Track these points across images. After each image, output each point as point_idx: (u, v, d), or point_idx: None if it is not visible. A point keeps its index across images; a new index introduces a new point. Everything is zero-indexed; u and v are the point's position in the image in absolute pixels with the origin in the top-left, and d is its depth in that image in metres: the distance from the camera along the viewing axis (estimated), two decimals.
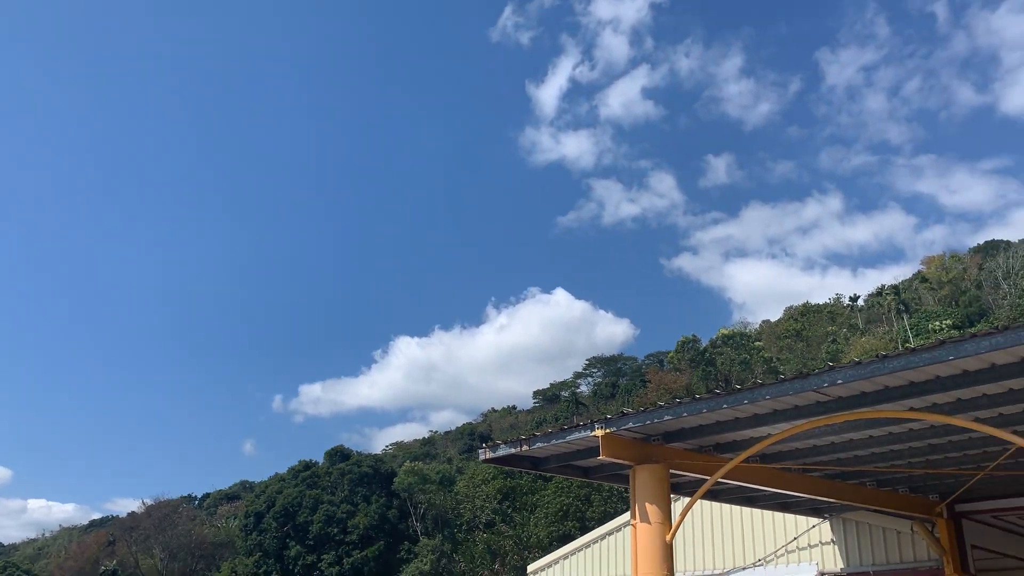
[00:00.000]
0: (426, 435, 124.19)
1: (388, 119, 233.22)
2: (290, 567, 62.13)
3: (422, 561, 57.27)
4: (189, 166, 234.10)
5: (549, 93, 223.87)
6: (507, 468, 10.45)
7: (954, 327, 67.27)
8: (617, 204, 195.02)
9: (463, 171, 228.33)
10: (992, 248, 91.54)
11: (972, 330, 7.44)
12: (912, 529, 12.62)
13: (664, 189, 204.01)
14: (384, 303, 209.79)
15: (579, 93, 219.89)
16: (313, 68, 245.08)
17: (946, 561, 12.04)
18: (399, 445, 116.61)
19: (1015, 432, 7.03)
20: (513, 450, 9.66)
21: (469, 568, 54.89)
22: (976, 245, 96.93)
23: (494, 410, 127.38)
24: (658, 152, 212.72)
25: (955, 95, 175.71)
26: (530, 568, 19.92)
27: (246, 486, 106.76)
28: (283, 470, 71.71)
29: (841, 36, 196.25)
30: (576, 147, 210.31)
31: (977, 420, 7.38)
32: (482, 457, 10.07)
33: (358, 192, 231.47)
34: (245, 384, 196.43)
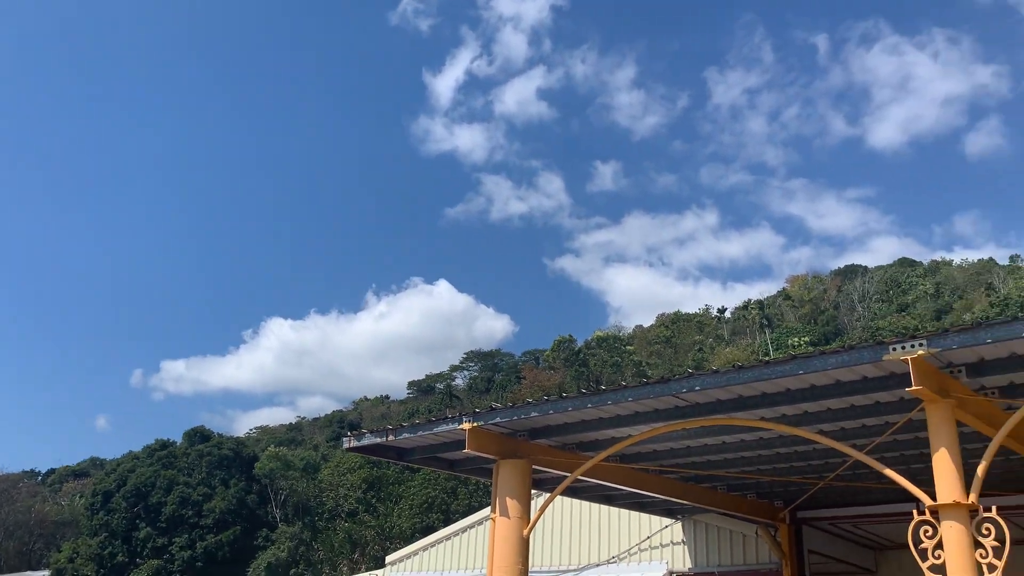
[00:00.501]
0: (293, 420, 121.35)
1: (279, 97, 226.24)
2: (138, 549, 59.38)
3: (279, 548, 55.93)
4: (48, 135, 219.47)
5: (445, 84, 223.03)
6: (373, 458, 10.33)
7: (811, 344, 71.28)
8: (506, 200, 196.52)
9: (353, 154, 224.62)
10: (851, 272, 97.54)
11: (823, 348, 7.87)
12: (757, 533, 13.28)
13: (552, 190, 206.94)
14: (259, 282, 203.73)
15: (475, 86, 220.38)
16: (203, 40, 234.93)
17: (785, 564, 12.73)
18: (264, 429, 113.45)
19: (853, 445, 7.50)
20: (379, 440, 9.57)
21: (328, 557, 54.02)
22: (837, 268, 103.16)
23: (366, 399, 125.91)
24: (549, 153, 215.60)
25: (829, 125, 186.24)
26: (388, 559, 19.79)
27: (96, 463, 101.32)
28: (138, 448, 68.52)
29: (730, 58, 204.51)
30: (469, 140, 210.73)
31: (821, 432, 7.82)
32: (347, 445, 9.94)
33: (242, 168, 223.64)
34: (102, 357, 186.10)
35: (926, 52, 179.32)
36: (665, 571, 14.44)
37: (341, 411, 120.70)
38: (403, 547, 20.16)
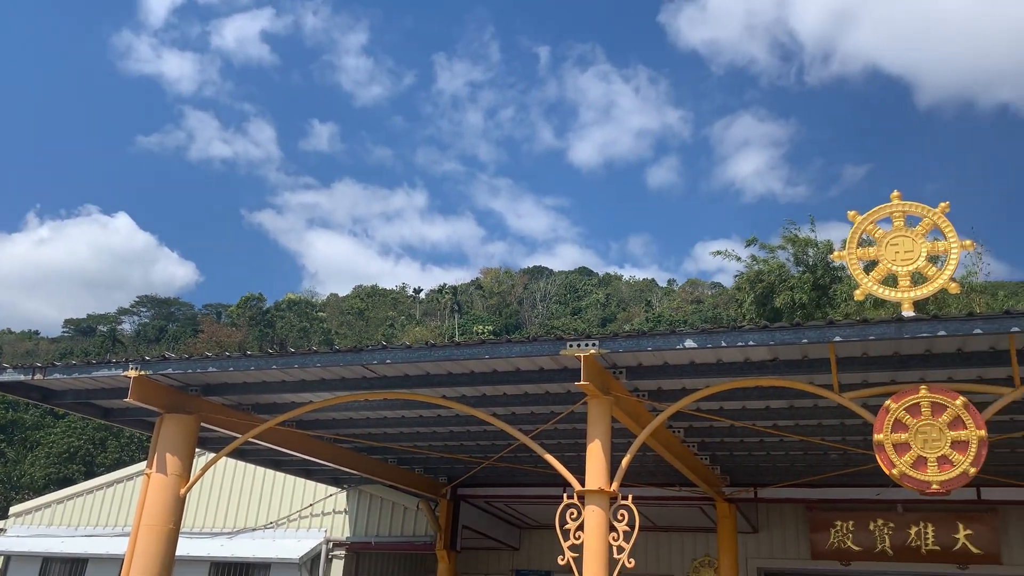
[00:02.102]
0: None
1: None
2: None
3: None
4: None
5: (160, 2, 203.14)
6: (11, 397, 9.08)
7: (493, 333, 75.32)
8: (209, 141, 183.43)
9: (37, 53, 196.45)
10: (538, 272, 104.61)
11: (509, 336, 8.31)
12: (418, 507, 13.72)
13: (262, 139, 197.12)
14: None
15: (193, 13, 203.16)
16: None
17: (439, 537, 13.30)
18: None
19: (520, 430, 8.00)
20: (23, 377, 8.47)
21: None
22: (526, 267, 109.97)
23: (10, 332, 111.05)
24: (264, 100, 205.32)
25: (538, 133, 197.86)
26: (13, 510, 17.63)
27: None
28: None
29: (459, 48, 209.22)
30: (178, 68, 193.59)
31: (494, 415, 8.25)
32: None
33: None
34: None
35: (630, 85, 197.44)
36: (322, 539, 14.41)
37: None
38: (33, 499, 18.08)
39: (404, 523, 14.30)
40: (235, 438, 9.04)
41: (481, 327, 77.33)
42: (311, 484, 14.79)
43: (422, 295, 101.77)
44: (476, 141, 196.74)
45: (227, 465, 15.44)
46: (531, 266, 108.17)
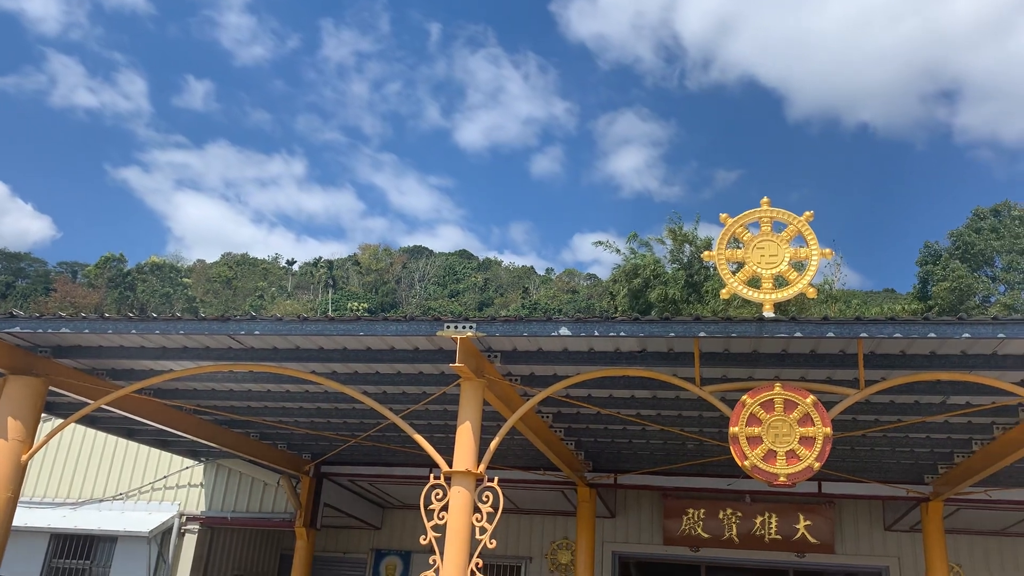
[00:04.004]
0: None
1: None
2: None
3: None
4: None
5: None
6: None
7: (368, 311, 74.44)
8: (73, 88, 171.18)
9: None
10: (418, 252, 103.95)
11: (386, 315, 8.21)
12: (279, 483, 13.41)
13: (132, 92, 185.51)
14: None
15: None
16: None
17: (299, 515, 13.05)
18: None
19: (391, 409, 7.92)
20: None
21: None
22: (406, 246, 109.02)
23: None
24: (136, 51, 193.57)
25: (425, 110, 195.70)
26: None
27: None
28: None
29: (348, 16, 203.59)
30: (41, 7, 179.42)
31: (365, 393, 8.14)
32: None
33: None
34: None
35: (520, 71, 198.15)
36: (175, 512, 13.88)
37: None
38: None
39: (263, 499, 13.96)
40: (86, 404, 8.55)
41: (356, 304, 76.24)
42: (166, 455, 14.21)
43: (295, 267, 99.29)
44: (360, 113, 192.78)
45: (75, 432, 14.61)
46: (411, 245, 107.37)
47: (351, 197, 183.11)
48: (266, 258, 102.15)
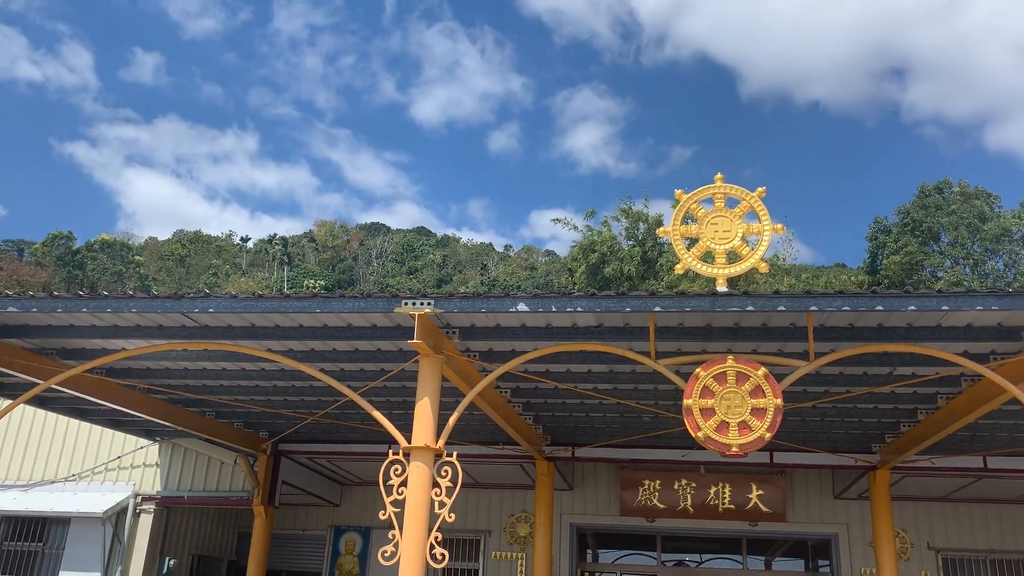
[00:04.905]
0: None
1: None
2: None
3: None
4: None
5: None
6: None
7: (325, 288, 73.79)
8: (15, 60, 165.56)
9: None
10: (375, 229, 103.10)
11: (342, 292, 8.16)
12: (236, 462, 13.33)
13: (78, 65, 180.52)
14: None
15: None
16: None
17: (257, 493, 13.00)
18: None
19: (349, 386, 7.91)
20: None
21: None
22: (363, 223, 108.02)
23: None
24: (81, 22, 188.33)
25: (379, 84, 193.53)
26: None
27: None
28: None
29: None
30: None
31: (323, 371, 8.11)
32: None
33: None
34: None
35: (476, 46, 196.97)
36: (131, 493, 13.72)
37: None
38: None
39: (220, 478, 13.85)
40: (36, 384, 8.39)
41: (312, 281, 75.47)
42: (120, 435, 14.00)
43: (250, 244, 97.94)
44: (314, 87, 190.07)
45: (25, 412, 14.32)
46: (368, 222, 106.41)
47: (305, 173, 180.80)
48: (220, 235, 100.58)
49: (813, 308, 6.55)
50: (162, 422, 11.03)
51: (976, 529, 14.47)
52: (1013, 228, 40.66)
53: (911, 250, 40.76)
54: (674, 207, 11.57)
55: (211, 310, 7.23)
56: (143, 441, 14.01)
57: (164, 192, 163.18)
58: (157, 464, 14.02)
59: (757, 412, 6.66)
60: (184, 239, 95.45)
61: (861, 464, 12.02)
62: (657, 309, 6.72)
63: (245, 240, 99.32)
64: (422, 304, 6.94)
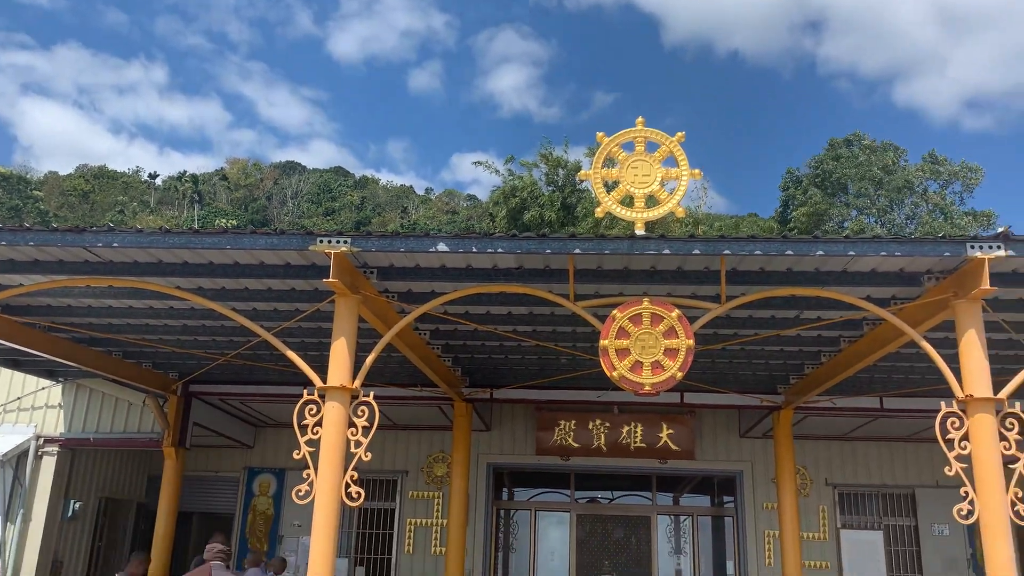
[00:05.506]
0: None
1: None
2: None
3: None
4: None
5: None
6: None
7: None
8: None
9: None
10: (290, 168, 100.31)
11: (255, 228, 7.89)
12: (144, 402, 12.97)
13: None
14: None
15: None
16: None
17: (167, 435, 12.71)
18: None
19: (262, 326, 7.74)
20: None
21: None
22: (277, 162, 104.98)
23: None
24: None
25: (295, 17, 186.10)
26: None
27: None
28: None
29: None
30: None
31: (234, 310, 7.90)
32: None
33: None
34: None
35: None
36: (32, 435, 13.23)
37: None
38: None
39: (128, 419, 13.48)
40: None
41: (224, 221, 73.20)
42: (19, 376, 13.43)
43: (158, 181, 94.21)
44: (226, 17, 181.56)
45: None
46: (283, 160, 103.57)
47: (217, 107, 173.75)
48: (126, 171, 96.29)
49: (726, 252, 6.69)
50: (65, 362, 10.61)
51: (870, 466, 15.33)
52: (916, 181, 42.38)
53: (817, 200, 42.12)
54: (589, 154, 11.60)
55: (115, 245, 6.92)
56: (45, 381, 13.48)
57: (65, 124, 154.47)
58: (60, 405, 13.53)
59: (670, 352, 6.81)
60: (88, 174, 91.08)
61: (767, 404, 12.51)
62: (577, 251, 6.75)
63: (153, 177, 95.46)
64: (338, 242, 6.80)
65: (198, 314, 9.27)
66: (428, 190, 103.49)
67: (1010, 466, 6.45)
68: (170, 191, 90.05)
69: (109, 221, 70.66)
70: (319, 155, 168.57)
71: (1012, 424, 6.57)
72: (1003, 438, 6.50)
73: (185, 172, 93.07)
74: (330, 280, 6.82)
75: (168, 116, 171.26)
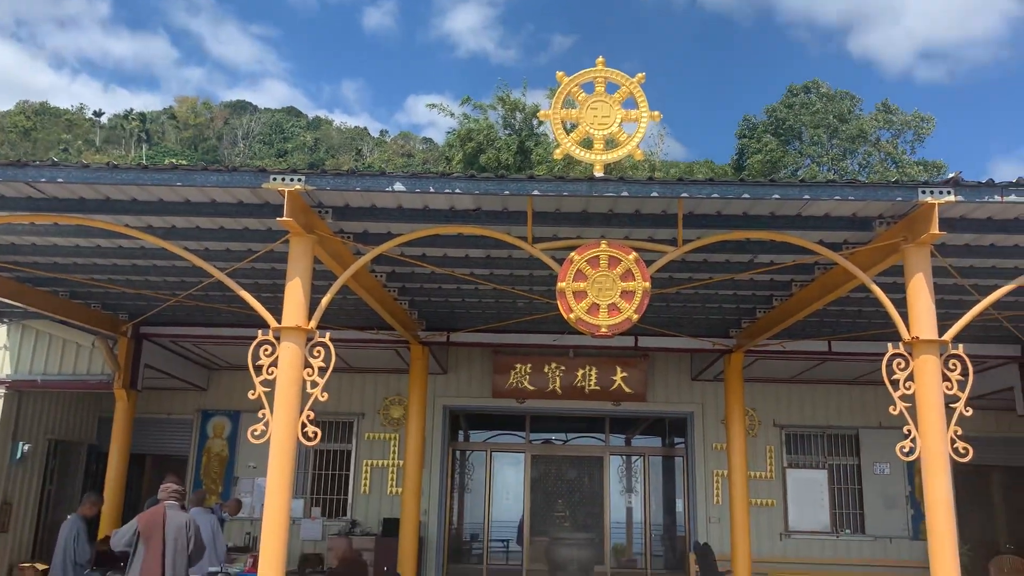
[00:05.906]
0: None
1: None
2: None
3: None
4: None
5: None
6: None
7: None
8: None
9: None
10: (241, 108, 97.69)
11: (206, 165, 7.67)
12: (94, 344, 12.73)
13: None
14: None
15: None
16: None
17: (118, 377, 12.52)
18: None
19: (215, 266, 7.58)
20: None
21: None
22: (228, 101, 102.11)
23: None
24: None
25: None
26: None
27: None
28: None
29: None
30: None
31: (186, 249, 7.72)
32: None
33: None
34: None
35: None
36: None
37: None
38: None
39: (77, 361, 13.22)
40: None
41: (174, 161, 71.39)
42: None
43: (104, 119, 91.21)
44: None
45: None
46: (233, 100, 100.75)
47: (164, 43, 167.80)
48: (70, 108, 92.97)
49: (684, 195, 6.71)
50: (9, 302, 10.33)
51: (816, 407, 15.78)
52: (869, 130, 42.89)
53: (772, 148, 42.45)
54: (549, 96, 11.43)
55: (60, 180, 6.69)
56: None
57: (4, 58, 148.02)
58: (6, 347, 13.21)
59: (626, 295, 6.86)
60: (28, 110, 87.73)
61: (718, 348, 12.73)
62: (536, 192, 6.71)
63: (98, 115, 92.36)
64: (292, 180, 6.65)
65: (148, 253, 9.05)
66: (383, 132, 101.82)
67: (951, 406, 6.67)
68: (116, 130, 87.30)
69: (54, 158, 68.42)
70: (271, 95, 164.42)
71: (955, 365, 6.78)
72: (946, 379, 6.71)
73: (132, 110, 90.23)
74: (284, 219, 6.69)
75: (113, 51, 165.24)
